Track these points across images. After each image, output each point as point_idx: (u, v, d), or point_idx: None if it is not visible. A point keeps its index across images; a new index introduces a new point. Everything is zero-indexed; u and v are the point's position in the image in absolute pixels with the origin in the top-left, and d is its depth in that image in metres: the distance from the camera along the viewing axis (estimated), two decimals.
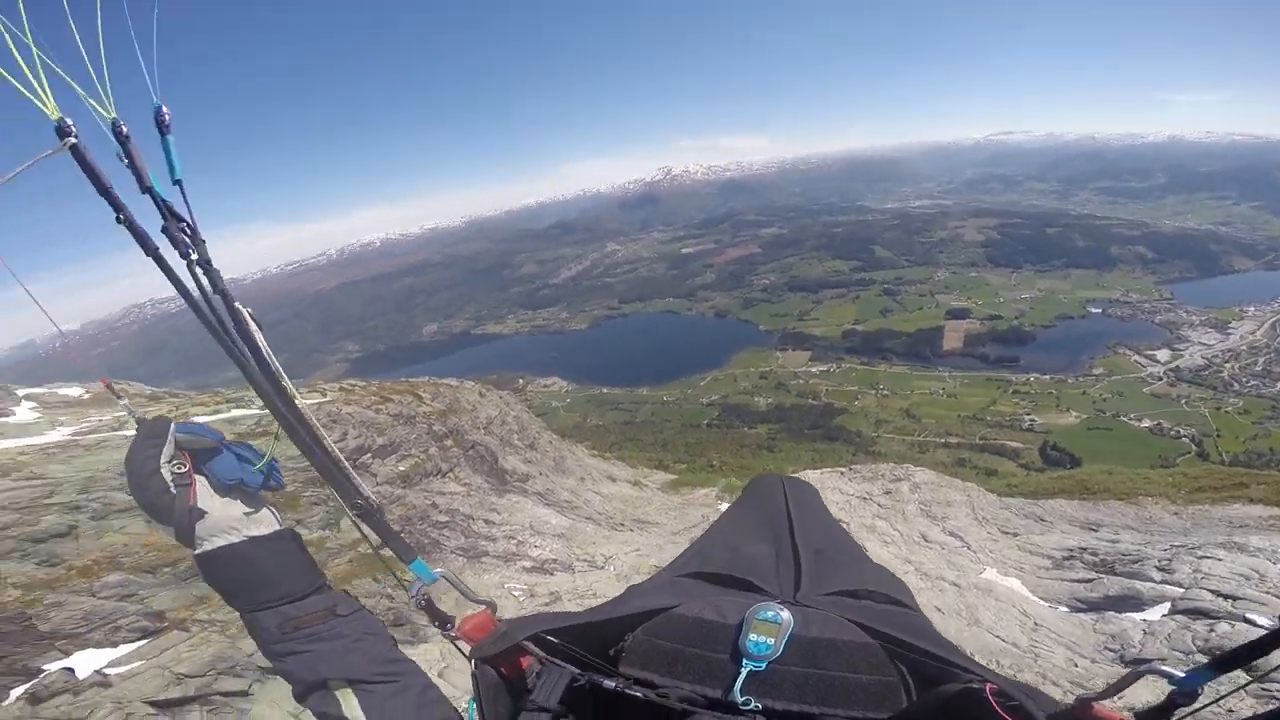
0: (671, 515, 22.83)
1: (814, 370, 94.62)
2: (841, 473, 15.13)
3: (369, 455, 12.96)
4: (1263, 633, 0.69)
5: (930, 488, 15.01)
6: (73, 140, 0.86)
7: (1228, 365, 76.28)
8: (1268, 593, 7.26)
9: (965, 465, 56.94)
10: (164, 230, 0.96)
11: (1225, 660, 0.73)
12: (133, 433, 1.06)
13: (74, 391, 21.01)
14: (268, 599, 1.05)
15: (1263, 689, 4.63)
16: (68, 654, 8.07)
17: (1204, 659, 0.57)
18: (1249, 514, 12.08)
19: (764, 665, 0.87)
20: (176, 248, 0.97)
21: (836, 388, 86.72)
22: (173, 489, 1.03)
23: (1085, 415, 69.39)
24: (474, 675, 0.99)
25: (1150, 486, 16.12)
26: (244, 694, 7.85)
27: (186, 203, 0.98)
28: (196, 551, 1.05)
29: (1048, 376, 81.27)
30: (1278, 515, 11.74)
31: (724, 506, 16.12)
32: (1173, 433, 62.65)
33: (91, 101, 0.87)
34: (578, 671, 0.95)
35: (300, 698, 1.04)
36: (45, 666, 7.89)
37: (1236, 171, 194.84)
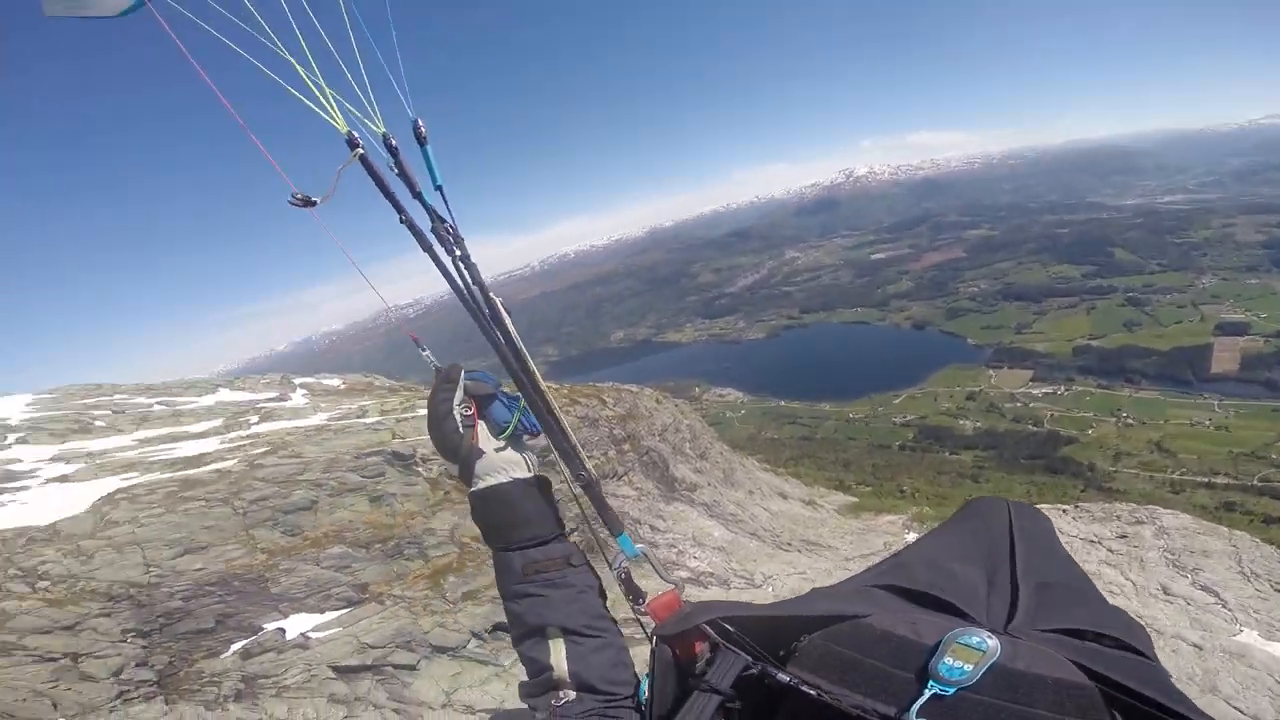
0: (847, 540, 20.76)
1: (1036, 392, 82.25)
2: (1064, 510, 13.00)
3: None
4: None
5: (1182, 534, 12.51)
6: (361, 151, 1.00)
7: None
8: None
9: (1235, 510, 45.44)
10: (432, 230, 1.11)
11: None
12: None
13: (335, 382, 24.76)
14: (518, 539, 1.15)
15: None
16: (285, 615, 8.89)
17: None
18: None
19: (952, 690, 0.83)
20: (442, 245, 1.12)
21: (1064, 413, 74.38)
22: (461, 429, 1.16)
23: None
24: (652, 652, 1.01)
25: None
26: (412, 668, 8.44)
27: (447, 206, 1.13)
28: (471, 490, 1.17)
29: None
30: None
31: (912, 537, 14.07)
32: None
33: (363, 119, 1.01)
34: (751, 660, 0.95)
35: (518, 640, 1.15)
36: (265, 625, 8.75)
37: None
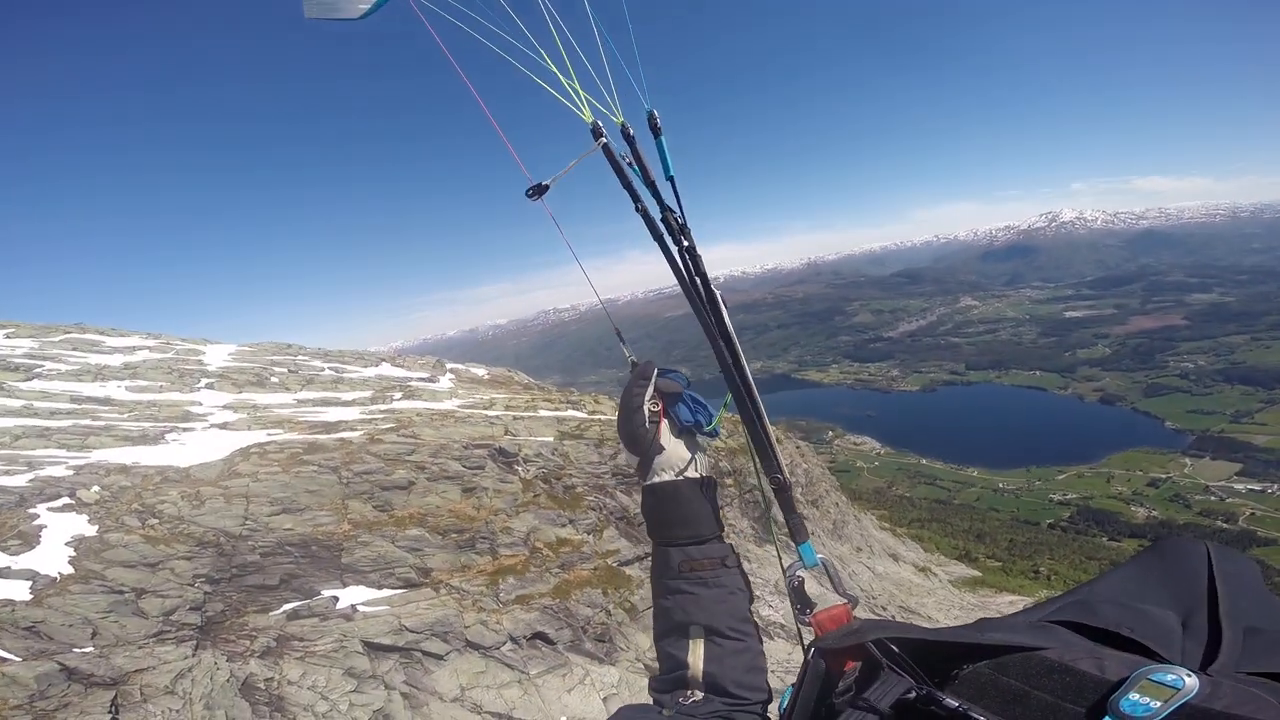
0: (953, 615, 19.70)
1: (1239, 487, 68.22)
2: None
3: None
4: None
5: None
6: (605, 140, 1.02)
7: None
8: None
9: None
10: (663, 219, 1.12)
11: None
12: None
13: (480, 372, 27.56)
14: (680, 536, 1.16)
15: None
16: (345, 586, 9.43)
17: None
18: None
19: None
20: (670, 235, 1.13)
21: (1269, 514, 61.11)
22: (647, 424, 1.17)
23: None
24: (806, 662, 1.00)
25: None
26: (439, 658, 8.52)
27: (677, 196, 1.13)
28: (646, 483, 1.18)
29: None
30: None
31: None
32: None
33: (604, 109, 1.04)
34: (915, 684, 0.90)
35: (660, 636, 1.15)
36: (322, 591, 9.12)
37: None
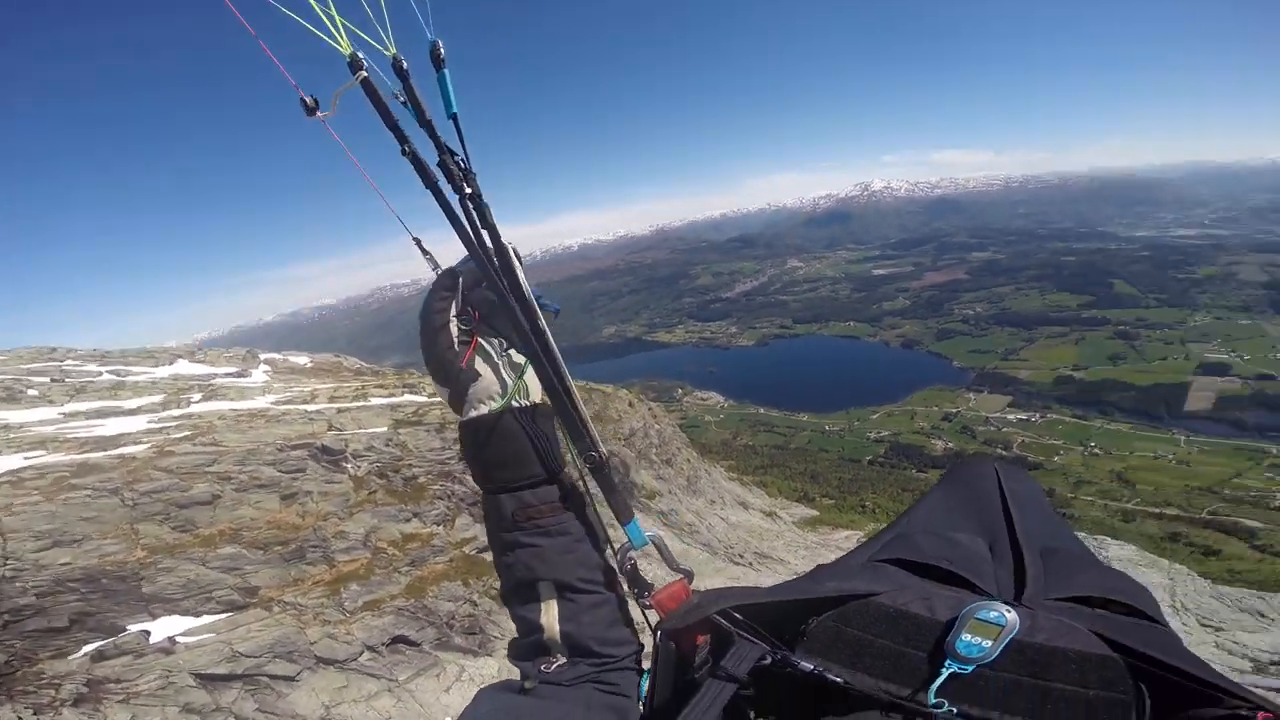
0: (800, 555, 21.56)
1: (1011, 417, 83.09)
2: None
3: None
4: None
5: (1127, 564, 13.64)
6: (364, 74, 0.88)
7: None
8: None
9: (1179, 541, 46.31)
10: (440, 164, 0.95)
11: None
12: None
13: (302, 360, 24.72)
14: (510, 479, 1.02)
15: None
16: (154, 618, 8.47)
17: None
18: None
19: (970, 668, 0.81)
20: (451, 181, 0.96)
21: (1035, 440, 75.49)
22: (456, 345, 1.01)
23: None
24: (656, 647, 0.96)
25: None
26: (290, 679, 8.03)
27: (461, 138, 0.97)
28: (463, 418, 1.02)
29: None
30: None
31: None
32: None
33: (371, 41, 0.89)
34: (770, 649, 0.90)
35: (507, 597, 1.04)
36: (127, 626, 8.29)
37: None
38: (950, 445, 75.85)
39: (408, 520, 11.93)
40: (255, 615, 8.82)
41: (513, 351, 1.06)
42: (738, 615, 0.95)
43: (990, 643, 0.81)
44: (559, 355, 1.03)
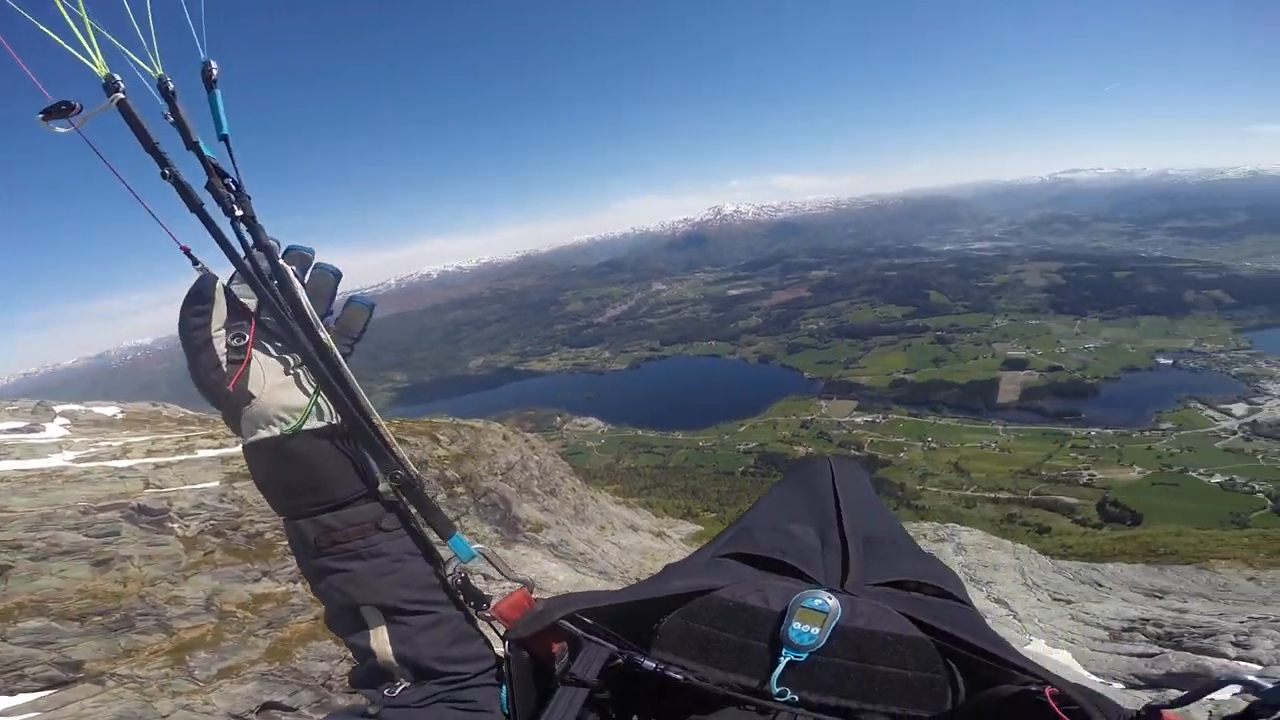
0: None
1: (858, 420, 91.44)
2: None
3: None
4: None
5: (976, 549, 14.38)
6: (120, 95, 0.83)
7: None
8: None
9: (1015, 522, 53.38)
10: (208, 187, 0.91)
11: None
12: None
13: (110, 411, 21.20)
14: (307, 505, 0.96)
15: None
16: None
17: None
18: None
19: (805, 656, 0.86)
20: (221, 204, 0.91)
21: (881, 439, 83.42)
22: (223, 365, 0.92)
23: (1150, 470, 64.49)
24: (506, 657, 0.96)
25: (1224, 548, 15.03)
26: None
27: (232, 158, 0.93)
28: (244, 441, 0.95)
29: (1110, 431, 76.16)
30: None
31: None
32: (1246, 487, 57.34)
33: (137, 60, 0.85)
34: (616, 650, 0.92)
35: (330, 623, 1.00)
36: None
37: None
38: (811, 450, 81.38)
39: (256, 580, 10.56)
40: (86, 690, 7.83)
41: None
42: (588, 620, 0.97)
43: (818, 629, 0.87)
44: (351, 377, 0.98)
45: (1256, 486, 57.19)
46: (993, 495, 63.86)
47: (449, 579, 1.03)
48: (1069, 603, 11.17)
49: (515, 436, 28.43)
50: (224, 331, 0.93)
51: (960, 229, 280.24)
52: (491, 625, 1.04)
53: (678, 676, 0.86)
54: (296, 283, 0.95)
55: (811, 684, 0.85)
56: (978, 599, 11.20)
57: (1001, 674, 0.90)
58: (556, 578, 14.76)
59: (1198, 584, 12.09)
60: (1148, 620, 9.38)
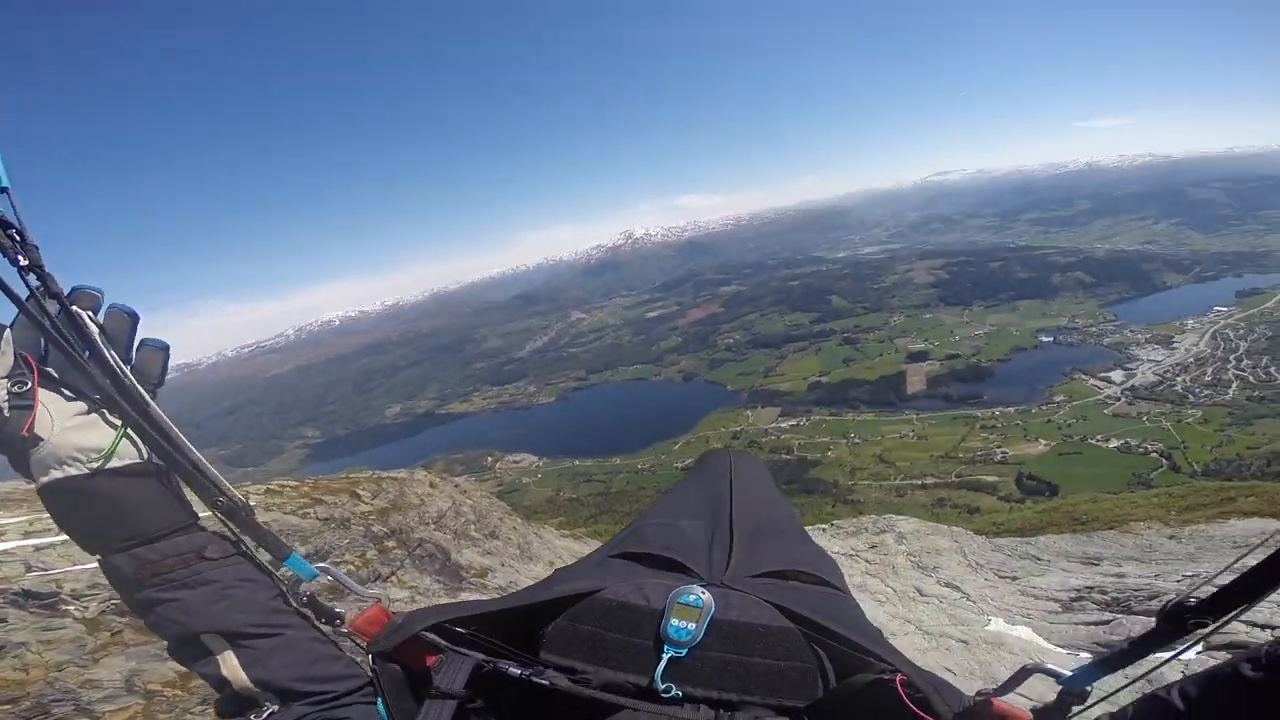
0: None
1: (784, 425, 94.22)
2: (824, 529, 14.05)
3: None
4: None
5: (916, 537, 14.50)
6: None
7: (1179, 379, 78.98)
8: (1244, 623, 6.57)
9: (945, 505, 56.49)
10: None
11: (1110, 660, 0.78)
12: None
13: None
14: (120, 539, 0.92)
15: (1148, 685, 4.20)
16: None
17: None
18: (1248, 529, 11.78)
19: (685, 651, 0.87)
20: (4, 254, 0.88)
21: (808, 440, 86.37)
22: (5, 411, 0.88)
23: (1054, 442, 70.19)
24: (373, 671, 0.94)
25: (1139, 511, 15.96)
26: None
27: (14, 209, 0.89)
28: (36, 485, 0.91)
29: (1012, 409, 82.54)
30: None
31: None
32: (1141, 449, 63.71)
33: None
34: (483, 658, 0.92)
35: (172, 654, 0.96)
36: None
37: (1151, 192, 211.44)
38: None
39: None
40: None
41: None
42: (461, 630, 0.97)
43: (694, 625, 0.88)
44: (159, 411, 0.95)
45: (1149, 447, 63.49)
46: (920, 482, 67.16)
47: (295, 599, 1.01)
48: (1014, 579, 11.46)
49: (443, 482, 27.08)
50: (6, 380, 0.89)
51: (850, 236, 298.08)
52: (355, 640, 1.03)
53: (543, 682, 0.86)
54: (91, 325, 0.93)
55: (693, 679, 0.86)
56: (928, 585, 11.30)
57: (862, 661, 0.93)
58: None
59: (1126, 548, 12.56)
60: (1092, 588, 9.68)
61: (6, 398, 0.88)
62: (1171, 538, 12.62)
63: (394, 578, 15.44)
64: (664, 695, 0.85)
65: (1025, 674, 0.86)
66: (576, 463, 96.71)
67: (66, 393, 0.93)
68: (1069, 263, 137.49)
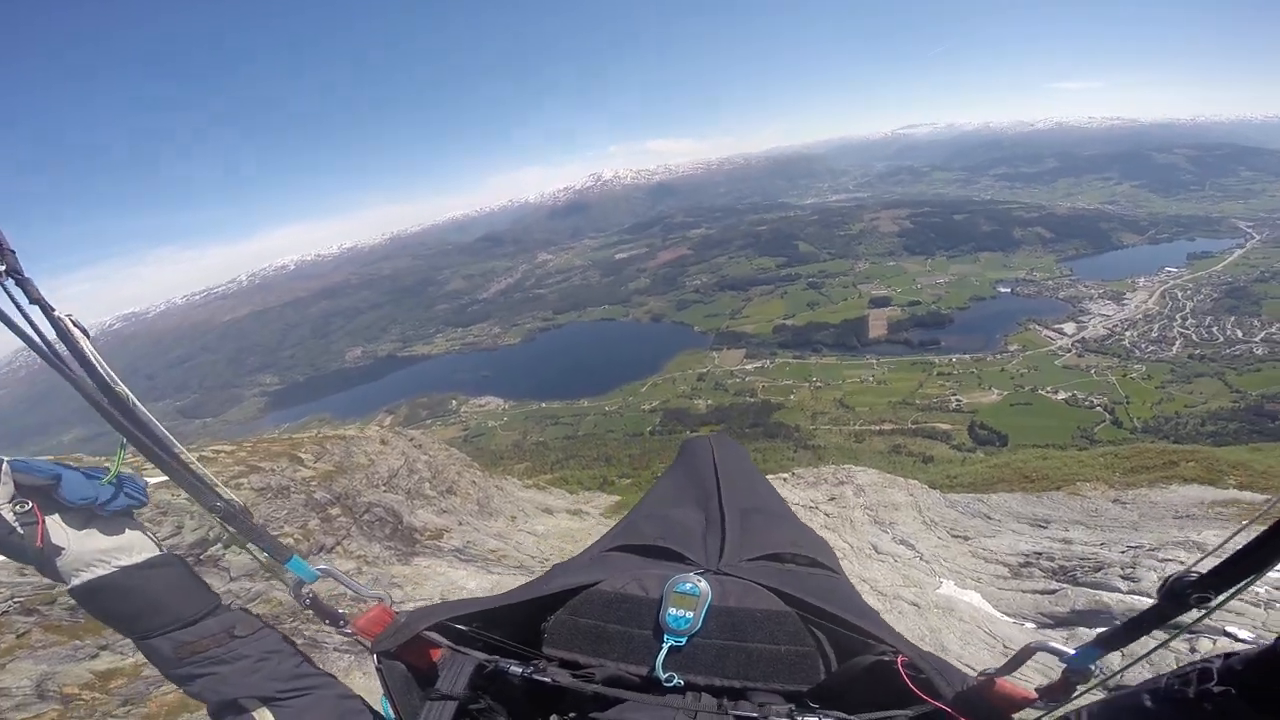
0: None
1: (749, 368, 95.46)
2: (784, 479, 13.81)
3: (218, 546, 11.04)
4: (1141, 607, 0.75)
5: (875, 489, 14.41)
6: None
7: (1127, 334, 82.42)
8: (1239, 600, 6.78)
9: (901, 452, 58.34)
10: None
11: (1110, 638, 0.78)
12: None
13: None
14: (156, 626, 1.01)
15: (1148, 664, 4.26)
16: None
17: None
18: (1188, 497, 12.09)
19: (684, 640, 0.88)
20: None
21: (772, 383, 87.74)
22: (19, 529, 0.95)
23: (1006, 392, 72.82)
24: (379, 670, 0.98)
25: (1085, 470, 16.20)
26: None
27: None
28: (69, 587, 0.99)
29: (968, 356, 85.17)
30: (1218, 499, 11.71)
31: None
32: (1087, 403, 66.66)
33: None
34: (485, 657, 0.93)
35: (214, 715, 1.03)
36: None
37: (1117, 154, 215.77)
38: (710, 402, 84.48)
39: (94, 656, 8.85)
40: None
41: (109, 505, 1.01)
42: (463, 628, 0.99)
43: (693, 613, 0.90)
44: (152, 420, 0.99)
45: (1094, 401, 66.52)
46: (878, 428, 69.01)
47: (299, 600, 1.07)
48: (967, 539, 11.45)
49: (396, 438, 25.99)
50: (9, 504, 0.94)
51: (819, 183, 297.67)
52: (360, 641, 1.06)
53: (545, 680, 0.87)
54: (78, 332, 0.93)
55: (695, 667, 0.88)
56: (884, 542, 11.28)
57: (861, 642, 0.94)
58: (466, 585, 14.81)
59: (1073, 510, 12.67)
60: (1040, 554, 9.70)
61: (15, 518, 0.94)
62: (1116, 501, 12.80)
63: (339, 548, 14.18)
64: (666, 685, 0.86)
65: (1029, 653, 0.86)
66: (543, 405, 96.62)
67: (61, 513, 0.98)
68: (1031, 218, 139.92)
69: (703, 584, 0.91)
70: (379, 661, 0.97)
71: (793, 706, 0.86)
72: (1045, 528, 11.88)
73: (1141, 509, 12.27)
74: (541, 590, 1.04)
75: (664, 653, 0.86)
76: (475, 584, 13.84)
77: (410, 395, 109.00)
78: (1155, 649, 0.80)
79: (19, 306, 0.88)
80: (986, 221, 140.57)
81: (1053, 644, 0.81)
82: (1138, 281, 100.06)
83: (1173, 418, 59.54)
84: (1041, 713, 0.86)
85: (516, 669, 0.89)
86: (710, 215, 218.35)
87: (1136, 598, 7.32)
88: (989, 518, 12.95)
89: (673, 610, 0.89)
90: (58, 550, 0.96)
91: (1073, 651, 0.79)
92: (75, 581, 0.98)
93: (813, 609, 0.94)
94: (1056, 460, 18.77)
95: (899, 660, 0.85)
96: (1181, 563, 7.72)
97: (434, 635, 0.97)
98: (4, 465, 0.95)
